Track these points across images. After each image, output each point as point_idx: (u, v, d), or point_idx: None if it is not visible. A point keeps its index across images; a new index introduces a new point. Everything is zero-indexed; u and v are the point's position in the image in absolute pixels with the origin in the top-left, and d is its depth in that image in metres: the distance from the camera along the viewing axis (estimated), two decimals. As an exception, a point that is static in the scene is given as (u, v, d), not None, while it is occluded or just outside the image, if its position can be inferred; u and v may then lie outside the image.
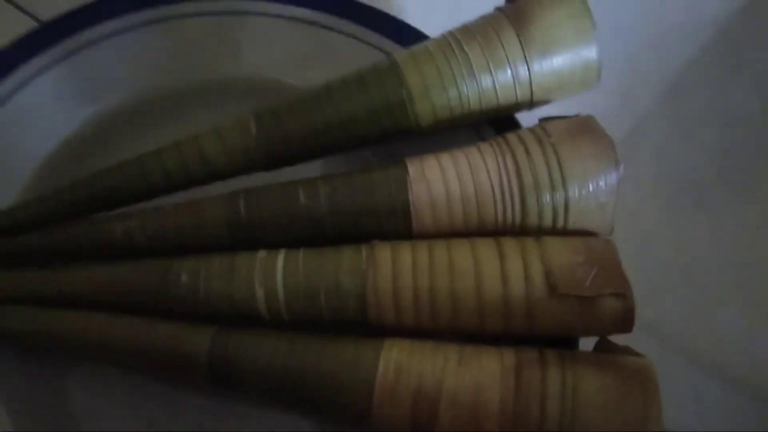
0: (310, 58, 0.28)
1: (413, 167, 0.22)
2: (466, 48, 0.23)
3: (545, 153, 0.22)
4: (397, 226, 0.22)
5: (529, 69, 0.23)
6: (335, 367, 0.20)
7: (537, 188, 0.21)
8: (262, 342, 0.21)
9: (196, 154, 0.23)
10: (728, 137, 0.34)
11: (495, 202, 0.22)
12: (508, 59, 0.23)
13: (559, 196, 0.21)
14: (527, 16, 0.23)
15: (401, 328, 0.21)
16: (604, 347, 0.21)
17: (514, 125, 0.26)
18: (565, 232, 0.22)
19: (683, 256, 0.32)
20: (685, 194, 0.33)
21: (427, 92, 0.23)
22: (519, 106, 0.24)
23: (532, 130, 0.23)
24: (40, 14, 0.30)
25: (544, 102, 0.24)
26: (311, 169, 0.25)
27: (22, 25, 0.28)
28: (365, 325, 0.21)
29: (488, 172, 0.22)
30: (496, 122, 0.26)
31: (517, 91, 0.23)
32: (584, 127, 0.22)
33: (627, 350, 0.21)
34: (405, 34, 0.27)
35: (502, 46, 0.23)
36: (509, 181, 0.22)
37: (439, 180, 0.22)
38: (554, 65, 0.23)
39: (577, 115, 0.23)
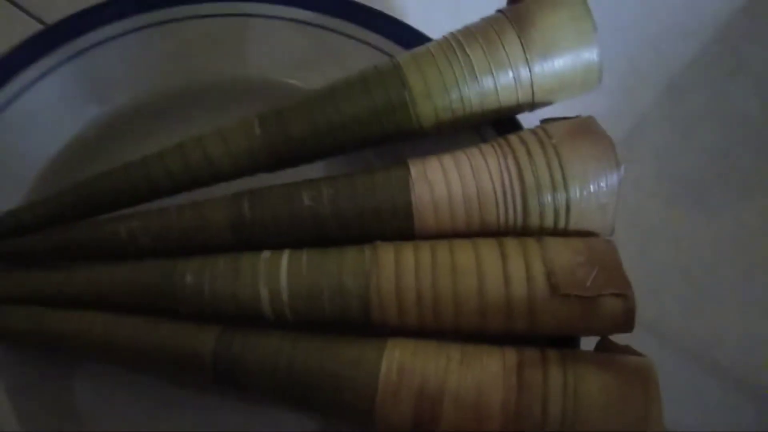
0: (314, 60, 0.28)
1: (415, 168, 0.22)
2: (467, 50, 0.23)
3: (546, 154, 0.22)
4: (400, 226, 0.22)
5: (530, 71, 0.23)
6: (338, 367, 0.21)
7: (538, 189, 0.21)
8: (267, 342, 0.22)
9: (200, 156, 0.23)
10: (728, 137, 0.34)
11: (497, 202, 0.22)
12: (509, 61, 0.23)
13: (561, 197, 0.21)
14: (529, 18, 0.23)
15: (404, 328, 0.21)
16: (605, 347, 0.22)
17: (516, 126, 0.26)
18: (566, 233, 0.22)
19: (683, 256, 0.32)
20: (685, 194, 0.33)
21: (429, 94, 0.23)
22: (520, 108, 0.24)
23: (533, 131, 0.23)
24: (46, 17, 0.30)
25: (545, 103, 0.24)
26: (314, 170, 0.25)
27: (28, 28, 0.29)
28: (368, 325, 0.22)
29: (490, 173, 0.22)
30: (498, 123, 0.26)
31: (519, 92, 0.23)
32: (585, 129, 0.22)
33: (628, 350, 0.21)
34: (407, 36, 0.27)
35: (504, 47, 0.23)
36: (511, 181, 0.22)
37: (441, 181, 0.22)
38: (555, 67, 0.23)
39: (577, 117, 0.23)
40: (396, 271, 0.21)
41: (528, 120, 0.25)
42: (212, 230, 0.23)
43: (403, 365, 0.20)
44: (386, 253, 0.22)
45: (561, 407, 0.19)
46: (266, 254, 0.22)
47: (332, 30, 0.28)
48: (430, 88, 0.23)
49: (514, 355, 0.20)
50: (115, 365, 0.25)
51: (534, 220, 0.22)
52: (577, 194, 0.21)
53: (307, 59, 0.28)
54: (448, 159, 0.23)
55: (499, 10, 0.24)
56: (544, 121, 0.24)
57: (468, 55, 0.23)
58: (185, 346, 0.22)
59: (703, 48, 0.35)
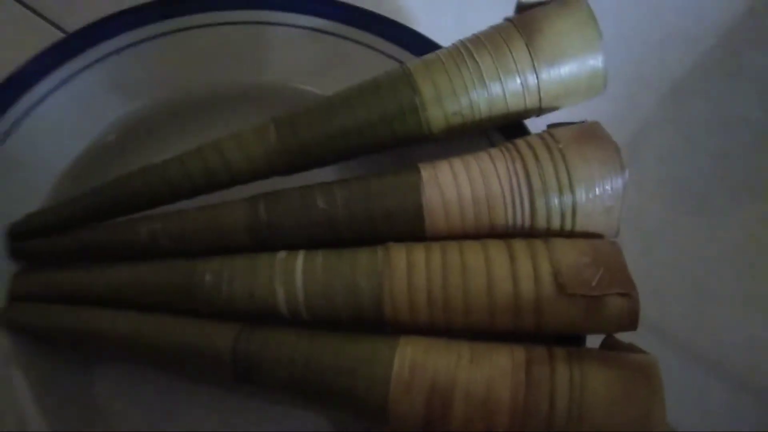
0: (329, 67, 0.28)
1: (426, 172, 0.23)
2: (476, 57, 0.24)
3: (553, 158, 0.22)
4: (411, 228, 0.23)
5: (537, 77, 0.24)
6: (353, 364, 0.21)
7: (545, 192, 0.22)
8: (283, 339, 0.22)
9: (218, 159, 0.24)
10: (730, 141, 0.34)
11: (505, 205, 0.22)
12: (517, 68, 0.24)
13: (567, 200, 0.22)
14: (536, 27, 0.24)
15: (415, 326, 0.22)
16: (610, 345, 0.22)
17: (523, 131, 0.26)
18: (572, 234, 0.22)
19: (686, 258, 0.32)
20: (688, 197, 0.34)
21: (439, 99, 0.24)
22: (528, 113, 0.25)
23: (540, 136, 0.23)
24: (66, 25, 0.31)
25: (552, 109, 0.25)
26: (327, 173, 0.26)
27: (50, 36, 0.29)
28: (381, 323, 0.22)
29: (498, 176, 0.22)
30: (506, 128, 0.27)
31: (526, 98, 0.24)
32: (591, 133, 0.23)
33: (632, 347, 0.21)
34: (418, 44, 0.28)
35: (512, 55, 0.24)
36: (519, 185, 0.22)
37: (452, 184, 0.23)
38: (562, 74, 0.24)
39: (583, 122, 0.24)
40: (408, 271, 0.22)
41: (535, 125, 0.26)
42: (230, 232, 0.24)
43: (415, 362, 0.21)
44: (398, 253, 0.22)
45: (567, 403, 0.19)
46: (282, 255, 0.23)
47: (346, 38, 0.28)
48: (440, 94, 0.24)
49: (522, 352, 0.21)
50: (137, 362, 0.26)
51: (541, 222, 0.22)
52: (583, 197, 0.22)
53: (322, 66, 0.29)
54: (457, 163, 0.23)
55: (506, 18, 0.25)
56: (551, 126, 0.24)
57: (477, 62, 0.24)
58: (205, 344, 0.22)
59: (706, 54, 0.36)
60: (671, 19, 0.36)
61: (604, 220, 0.22)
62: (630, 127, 0.34)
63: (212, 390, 0.27)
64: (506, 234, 0.23)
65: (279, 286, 0.22)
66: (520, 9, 0.25)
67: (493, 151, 0.23)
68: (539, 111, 0.25)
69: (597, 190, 0.22)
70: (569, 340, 0.23)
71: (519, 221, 0.22)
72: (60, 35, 0.31)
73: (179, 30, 0.28)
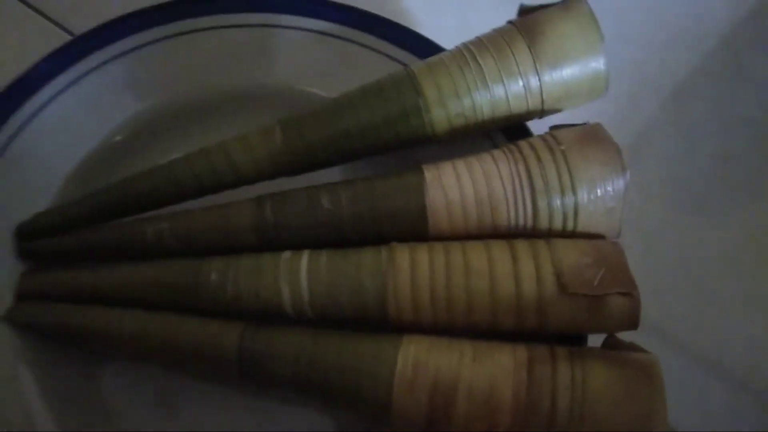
0: (334, 70, 0.29)
1: (430, 173, 0.23)
2: (479, 59, 0.24)
3: (555, 159, 0.22)
4: (415, 228, 0.23)
5: (540, 79, 0.24)
6: (356, 363, 0.21)
7: (548, 193, 0.22)
8: (288, 338, 0.22)
9: (224, 160, 0.24)
10: (731, 142, 0.34)
11: (508, 206, 0.23)
12: (519, 70, 0.24)
13: (569, 201, 0.22)
14: (538, 29, 0.24)
15: (419, 325, 0.22)
16: (611, 344, 0.22)
17: (525, 133, 0.27)
18: (574, 235, 0.23)
19: (687, 258, 0.32)
20: (689, 197, 0.34)
21: (442, 101, 0.24)
22: (530, 115, 0.25)
23: (542, 137, 0.24)
24: (74, 28, 0.31)
25: (554, 111, 0.25)
26: (332, 174, 0.26)
27: (57, 39, 0.30)
28: (385, 322, 0.22)
29: (501, 177, 0.23)
30: (508, 130, 0.27)
31: (529, 100, 0.24)
32: (592, 135, 0.23)
33: (633, 347, 0.22)
34: (423, 47, 0.28)
35: (514, 57, 0.24)
36: (521, 186, 0.22)
37: (455, 185, 0.23)
38: (564, 76, 0.24)
39: (585, 124, 0.24)
40: (411, 271, 0.22)
41: (537, 127, 0.26)
42: (236, 231, 0.24)
43: (419, 360, 0.21)
44: (402, 253, 0.22)
45: (569, 401, 0.20)
46: (287, 254, 0.23)
47: (352, 41, 0.28)
48: (444, 96, 0.24)
49: (524, 351, 0.21)
50: (144, 360, 0.26)
51: (543, 223, 0.23)
52: (585, 198, 0.22)
53: (328, 69, 0.29)
54: (461, 164, 0.23)
55: (509, 21, 0.25)
56: (553, 128, 0.24)
57: (480, 65, 0.24)
58: (211, 343, 0.23)
59: (707, 56, 0.36)
60: (672, 21, 0.36)
61: (606, 221, 0.23)
62: (631, 128, 0.34)
63: (216, 389, 0.27)
64: (509, 234, 0.23)
65: (284, 285, 0.23)
66: (523, 12, 0.25)
67: (496, 153, 0.24)
68: (541, 113, 0.25)
69: (599, 191, 0.22)
70: (571, 339, 0.23)
71: (521, 222, 0.23)
72: (65, 36, 0.31)
73: (186, 33, 0.28)
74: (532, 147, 0.23)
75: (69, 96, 0.27)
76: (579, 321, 0.21)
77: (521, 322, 0.22)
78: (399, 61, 0.28)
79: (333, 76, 0.28)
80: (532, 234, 0.23)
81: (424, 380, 0.21)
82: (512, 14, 0.26)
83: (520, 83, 0.24)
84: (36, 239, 0.26)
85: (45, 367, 0.25)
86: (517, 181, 0.23)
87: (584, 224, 0.23)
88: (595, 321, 0.21)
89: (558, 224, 0.23)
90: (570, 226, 0.23)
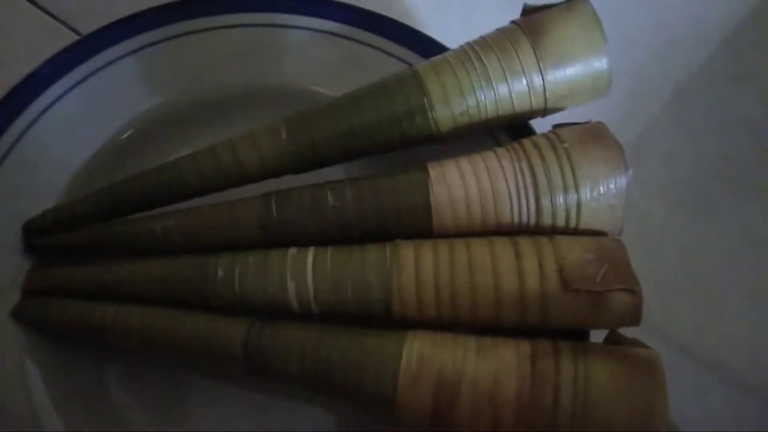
0: (341, 69, 0.29)
1: (434, 171, 0.23)
2: (483, 58, 0.24)
3: (559, 157, 0.23)
4: (419, 226, 0.23)
5: (543, 79, 0.24)
6: (362, 358, 0.22)
7: (551, 190, 0.22)
8: (294, 333, 0.23)
9: (230, 158, 0.25)
10: (733, 142, 0.34)
11: (511, 203, 0.23)
12: (523, 69, 0.24)
13: (572, 198, 0.22)
14: (542, 29, 0.24)
15: (423, 321, 0.22)
16: (614, 340, 0.22)
17: (529, 131, 0.27)
18: (576, 232, 0.23)
19: (689, 258, 0.33)
20: (691, 197, 0.34)
21: (446, 100, 0.24)
22: (533, 113, 0.25)
23: (546, 135, 0.24)
24: (79, 25, 0.31)
25: (557, 109, 0.25)
26: (337, 172, 0.26)
27: (62, 35, 0.30)
28: (389, 318, 0.23)
29: (505, 175, 0.23)
30: (512, 128, 0.27)
31: (532, 99, 0.24)
32: (595, 133, 0.23)
33: (635, 342, 0.22)
34: (428, 47, 0.28)
35: (518, 57, 0.24)
36: (525, 183, 0.23)
37: (459, 183, 0.23)
38: (567, 75, 0.24)
39: (588, 122, 0.24)
40: (415, 267, 0.22)
41: (540, 125, 0.26)
42: (242, 228, 0.24)
43: (423, 355, 0.21)
44: (406, 250, 0.23)
45: (572, 395, 0.20)
46: (293, 251, 0.23)
47: (358, 41, 0.29)
48: (448, 95, 0.24)
49: (527, 346, 0.21)
50: (148, 356, 0.26)
51: (546, 220, 0.23)
52: (588, 195, 0.22)
53: (334, 68, 0.29)
54: (464, 162, 0.24)
55: (513, 22, 0.26)
56: (556, 126, 0.25)
57: (484, 64, 0.24)
58: (217, 338, 0.23)
59: (709, 56, 0.36)
60: (674, 22, 0.36)
61: (608, 218, 0.23)
62: (633, 128, 0.35)
63: (222, 387, 0.27)
64: (512, 231, 0.23)
65: (290, 281, 0.23)
66: (526, 12, 0.26)
67: (500, 151, 0.24)
68: (545, 111, 0.25)
69: (601, 188, 0.22)
70: (573, 335, 0.23)
71: (525, 219, 0.23)
72: (72, 36, 0.32)
73: (192, 32, 0.28)
74: (536, 145, 0.23)
75: (76, 95, 0.27)
76: (581, 317, 0.21)
77: (524, 317, 0.22)
78: (404, 61, 0.28)
79: (339, 75, 0.29)
80: (536, 231, 0.23)
81: (429, 375, 0.21)
82: (516, 14, 0.26)
83: (524, 82, 0.24)
84: (43, 236, 0.26)
85: (51, 364, 0.26)
86: (520, 179, 0.23)
87: (587, 221, 0.23)
88: (597, 317, 0.21)
89: (561, 221, 0.23)
90: (573, 223, 0.23)
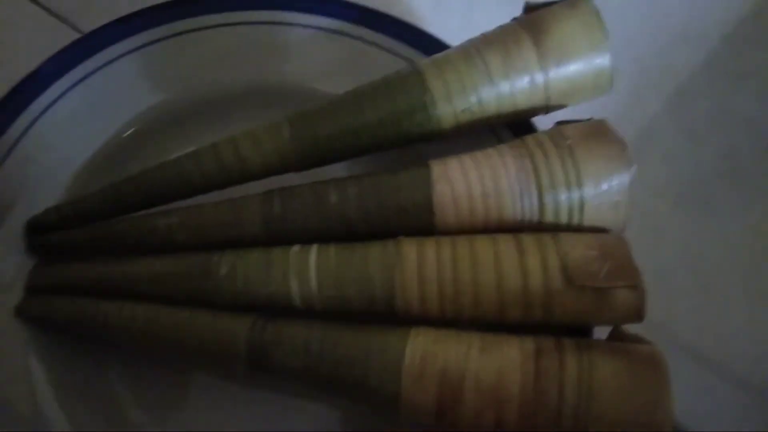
0: (344, 67, 0.29)
1: (437, 168, 0.23)
2: (485, 56, 0.24)
3: (561, 154, 0.23)
4: (422, 223, 0.23)
5: (545, 76, 0.24)
6: (365, 355, 0.22)
7: (554, 187, 0.22)
8: (297, 330, 0.23)
9: (233, 156, 0.25)
10: (734, 140, 0.34)
11: (514, 200, 0.23)
12: (525, 67, 0.24)
13: (575, 195, 0.22)
14: (543, 27, 0.24)
15: (426, 318, 0.22)
16: (617, 336, 0.22)
17: (530, 128, 0.27)
18: (579, 229, 0.23)
19: (691, 257, 0.32)
20: (693, 195, 0.34)
21: (448, 97, 0.24)
22: (535, 111, 0.25)
23: (548, 132, 0.24)
24: (81, 24, 0.31)
25: (559, 107, 0.25)
26: (340, 170, 0.26)
27: (64, 34, 0.30)
28: (392, 315, 0.23)
29: (508, 172, 0.23)
30: (514, 126, 0.27)
31: (534, 96, 0.24)
32: (598, 130, 0.23)
33: (639, 338, 0.22)
34: (430, 45, 0.28)
35: (520, 54, 0.24)
36: (527, 180, 0.23)
37: (461, 180, 0.23)
38: (569, 73, 0.24)
39: (591, 119, 0.24)
40: (419, 264, 0.22)
41: (543, 122, 0.26)
42: (245, 225, 0.24)
43: (426, 352, 0.21)
44: (409, 247, 0.23)
45: (576, 391, 0.20)
46: (296, 248, 0.23)
47: (361, 39, 0.29)
48: (450, 92, 0.24)
49: (531, 343, 0.21)
50: (151, 354, 0.26)
51: (549, 217, 0.23)
52: (591, 192, 0.22)
53: (337, 66, 0.29)
54: (467, 159, 0.24)
55: (514, 19, 0.26)
56: (558, 123, 0.25)
57: (486, 61, 0.24)
58: (221, 335, 0.23)
59: (711, 54, 0.36)
60: (676, 19, 0.36)
61: (612, 215, 0.23)
62: (634, 126, 0.35)
63: (224, 386, 0.27)
64: (515, 228, 0.23)
65: (293, 278, 0.23)
66: (528, 9, 0.25)
67: (502, 148, 0.24)
68: (547, 109, 0.25)
69: (604, 185, 0.22)
70: (576, 332, 0.23)
71: (528, 216, 0.23)
72: (73, 33, 0.32)
73: (194, 30, 0.28)
74: (539, 142, 0.23)
75: (78, 93, 0.27)
76: (585, 313, 0.21)
77: (528, 314, 0.22)
78: (406, 59, 0.28)
79: (341, 73, 0.29)
80: (539, 228, 0.23)
81: (432, 372, 0.21)
82: (517, 12, 0.26)
83: (526, 79, 0.24)
84: (46, 234, 0.26)
85: (55, 361, 0.26)
86: (523, 176, 0.23)
87: (590, 218, 0.23)
88: (601, 313, 0.21)
89: (564, 218, 0.23)
90: (576, 220, 0.23)
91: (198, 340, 0.23)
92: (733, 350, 0.31)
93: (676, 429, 0.20)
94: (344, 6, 0.29)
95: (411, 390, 0.21)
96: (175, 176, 0.25)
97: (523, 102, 0.25)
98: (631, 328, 0.22)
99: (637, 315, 0.21)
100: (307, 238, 0.24)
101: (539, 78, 0.24)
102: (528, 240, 0.22)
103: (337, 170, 0.26)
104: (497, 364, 0.21)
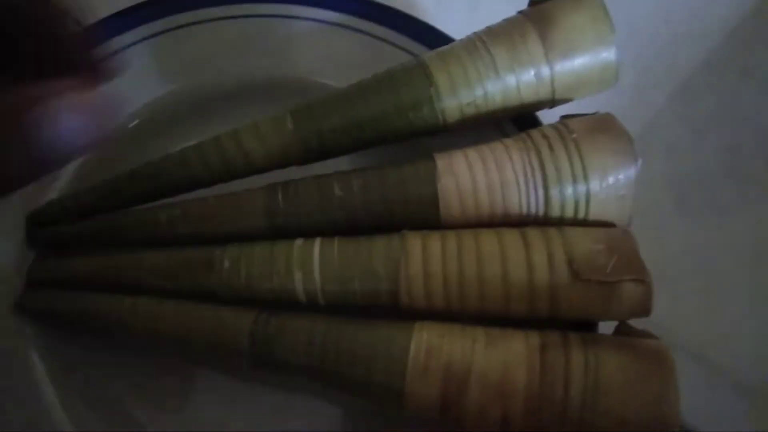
0: (348, 61, 0.29)
1: (441, 161, 0.23)
2: (491, 49, 0.24)
3: (567, 148, 0.22)
4: (427, 217, 0.23)
5: (551, 69, 0.24)
6: (369, 349, 0.21)
7: (559, 181, 0.22)
8: (300, 324, 0.22)
9: (236, 149, 0.24)
10: (738, 137, 0.34)
11: (519, 193, 0.23)
12: (531, 60, 0.24)
13: (581, 189, 0.22)
14: (550, 20, 0.24)
15: (431, 312, 0.22)
16: (624, 331, 0.22)
17: (535, 123, 0.27)
18: (585, 223, 0.23)
19: (694, 255, 0.32)
20: (696, 192, 0.34)
21: (453, 90, 0.24)
22: (541, 104, 0.25)
23: (554, 126, 0.24)
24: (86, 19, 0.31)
25: (564, 100, 0.25)
26: (342, 164, 0.26)
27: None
28: (397, 309, 0.22)
29: (513, 165, 0.23)
30: (518, 119, 0.27)
31: (540, 89, 0.24)
32: (604, 124, 0.23)
33: (645, 333, 0.22)
34: (435, 39, 0.28)
35: (526, 47, 0.24)
36: (533, 174, 0.23)
37: (466, 173, 0.23)
38: (575, 66, 0.24)
39: (596, 113, 0.24)
40: (423, 258, 0.22)
41: (549, 116, 0.26)
42: (248, 219, 0.24)
43: (431, 346, 0.21)
44: (414, 241, 0.22)
45: (582, 386, 0.20)
46: (299, 241, 0.23)
47: (366, 32, 0.28)
48: (455, 85, 0.24)
49: (536, 337, 0.21)
50: (158, 347, 0.26)
51: (555, 211, 0.23)
52: (597, 186, 0.22)
53: (340, 60, 0.29)
54: (472, 152, 0.23)
55: (520, 12, 0.25)
56: (564, 117, 0.25)
57: (491, 54, 0.24)
58: (224, 329, 0.23)
59: (715, 51, 0.36)
60: (681, 17, 0.36)
61: (617, 209, 0.23)
62: (638, 122, 0.34)
63: (227, 384, 0.27)
64: (520, 222, 0.23)
65: (297, 272, 0.23)
66: (534, 2, 0.25)
67: (508, 141, 0.24)
68: (552, 102, 0.25)
69: (610, 179, 0.22)
70: (581, 327, 0.23)
71: (533, 210, 0.23)
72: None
73: (198, 22, 0.28)
74: (544, 136, 0.23)
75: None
76: (591, 308, 0.21)
77: (534, 309, 0.22)
78: (411, 52, 0.28)
79: (345, 67, 0.28)
80: (544, 222, 0.23)
81: (437, 366, 0.21)
82: (522, 5, 0.26)
83: (532, 73, 0.24)
84: (47, 227, 0.26)
85: (56, 356, 0.26)
86: (528, 169, 0.23)
87: (596, 212, 0.23)
88: (607, 308, 0.21)
89: (570, 212, 0.23)
90: (582, 213, 0.23)
91: (201, 334, 0.23)
92: (735, 348, 0.31)
93: (680, 426, 0.20)
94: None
95: (415, 384, 0.21)
96: (178, 169, 0.25)
97: (528, 95, 0.24)
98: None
99: (644, 309, 0.21)
100: (310, 232, 0.24)
101: (545, 71, 0.24)
102: (534, 234, 0.22)
103: (340, 164, 0.26)
104: (502, 358, 0.21)
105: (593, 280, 0.21)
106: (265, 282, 0.23)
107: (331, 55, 0.29)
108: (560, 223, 0.23)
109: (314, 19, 0.29)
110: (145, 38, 0.28)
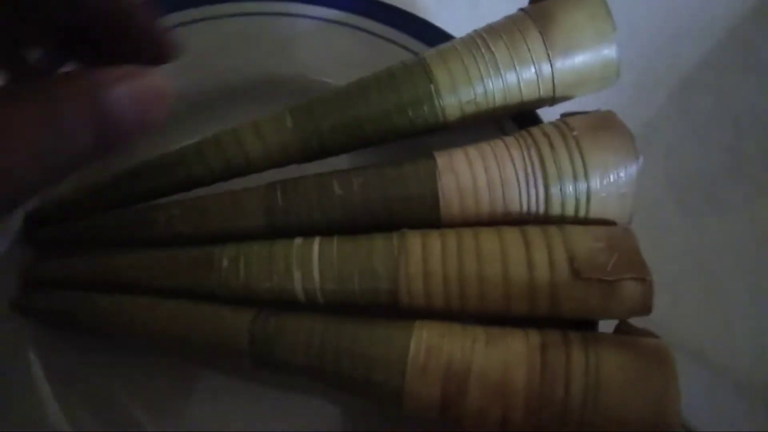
0: (348, 59, 0.29)
1: (442, 159, 0.23)
2: (491, 46, 0.24)
3: (568, 146, 0.22)
4: (427, 215, 0.23)
5: (552, 67, 0.24)
6: (369, 348, 0.21)
7: (560, 179, 0.22)
8: (300, 323, 0.22)
9: (235, 147, 0.24)
10: (739, 135, 0.34)
11: (520, 192, 0.23)
12: (532, 57, 0.24)
13: (581, 187, 0.22)
14: (550, 17, 0.24)
15: (430, 311, 0.22)
16: (624, 330, 0.22)
17: (535, 121, 0.27)
18: (586, 221, 0.23)
19: (695, 253, 0.32)
20: (697, 191, 0.33)
21: (454, 88, 0.24)
22: (541, 102, 0.25)
23: (555, 124, 0.24)
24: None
25: (565, 98, 0.25)
26: (342, 163, 0.26)
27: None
28: (396, 308, 0.22)
29: (513, 163, 0.23)
30: (519, 118, 0.27)
31: (540, 87, 0.24)
32: (605, 122, 0.23)
33: (646, 332, 0.21)
34: (435, 37, 0.28)
35: (527, 45, 0.24)
36: (534, 172, 0.22)
37: (467, 171, 0.23)
38: (576, 64, 0.24)
39: (597, 110, 0.24)
40: (423, 256, 0.22)
41: (549, 114, 0.26)
42: (247, 218, 0.24)
43: (431, 346, 0.21)
44: (414, 239, 0.22)
45: (583, 385, 0.20)
46: (299, 240, 0.23)
47: (366, 30, 0.28)
48: (455, 83, 0.24)
49: (537, 336, 0.21)
50: (157, 348, 0.26)
51: (556, 209, 0.23)
52: (598, 184, 0.22)
53: (340, 58, 0.29)
54: (473, 150, 0.23)
55: (521, 9, 0.25)
56: (565, 115, 0.24)
57: (492, 52, 0.24)
58: (223, 328, 0.23)
59: (716, 48, 0.36)
60: (682, 13, 0.36)
61: (618, 207, 0.23)
62: (639, 120, 0.34)
63: (226, 385, 0.27)
64: (521, 220, 0.23)
65: (296, 271, 0.23)
66: (535, 0, 0.25)
67: (508, 139, 0.24)
68: (553, 100, 0.25)
69: (611, 177, 0.22)
70: (582, 326, 0.22)
71: (534, 208, 0.23)
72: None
73: (198, 20, 0.28)
74: (545, 133, 0.23)
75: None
76: (592, 306, 0.21)
77: (534, 307, 0.21)
78: (411, 50, 0.28)
79: (344, 65, 0.28)
80: (545, 220, 0.23)
81: (437, 365, 0.21)
82: (523, 2, 0.26)
83: (532, 70, 0.24)
84: (45, 226, 0.26)
85: (54, 356, 0.25)
86: (529, 167, 0.23)
87: (596, 210, 0.23)
88: (608, 306, 0.21)
89: (570, 210, 0.23)
90: (582, 211, 0.23)
91: (200, 333, 0.23)
92: (736, 348, 0.31)
93: (681, 426, 0.20)
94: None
95: (415, 384, 0.21)
96: (177, 168, 0.25)
97: (529, 93, 0.24)
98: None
99: (644, 308, 0.21)
100: (310, 231, 0.24)
101: (546, 68, 0.24)
102: (534, 232, 0.22)
103: (340, 163, 0.26)
104: (503, 357, 0.21)
105: (594, 278, 0.21)
106: (264, 281, 0.23)
107: (331, 53, 0.29)
108: (561, 221, 0.23)
109: (314, 17, 0.29)
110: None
